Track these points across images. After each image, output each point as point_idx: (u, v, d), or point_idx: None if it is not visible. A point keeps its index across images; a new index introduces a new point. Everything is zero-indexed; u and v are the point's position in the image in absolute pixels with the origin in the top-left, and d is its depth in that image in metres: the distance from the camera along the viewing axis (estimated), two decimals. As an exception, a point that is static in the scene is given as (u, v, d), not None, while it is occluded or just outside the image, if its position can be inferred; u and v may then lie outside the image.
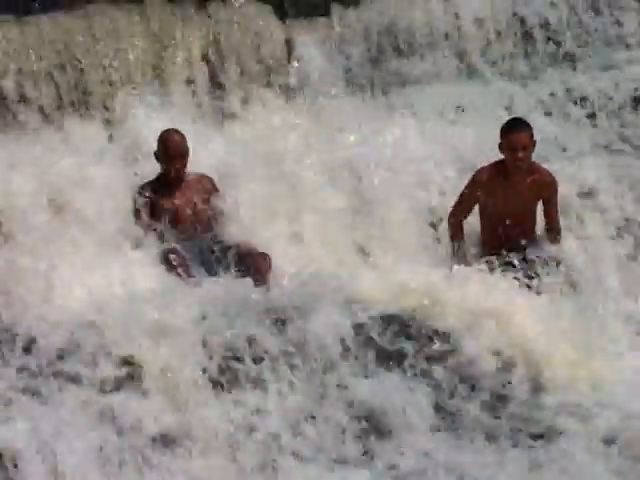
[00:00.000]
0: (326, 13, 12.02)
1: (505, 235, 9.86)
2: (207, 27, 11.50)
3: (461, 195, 10.13)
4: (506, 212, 9.91)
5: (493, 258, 9.42)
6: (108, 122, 10.89)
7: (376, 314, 8.62)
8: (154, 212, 9.75)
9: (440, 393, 7.96)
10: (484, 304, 8.71)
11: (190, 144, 9.97)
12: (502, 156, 9.95)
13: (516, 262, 9.54)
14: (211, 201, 9.93)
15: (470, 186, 10.03)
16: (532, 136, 9.95)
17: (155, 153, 9.85)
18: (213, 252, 9.60)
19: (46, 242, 9.19)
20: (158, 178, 9.89)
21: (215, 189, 10.03)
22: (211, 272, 9.36)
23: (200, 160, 10.29)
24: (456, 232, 10.09)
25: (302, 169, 10.64)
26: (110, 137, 10.80)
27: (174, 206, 9.76)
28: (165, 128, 10.09)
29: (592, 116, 12.05)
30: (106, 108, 10.95)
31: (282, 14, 11.81)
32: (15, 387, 7.62)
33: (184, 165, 9.84)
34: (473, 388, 8.08)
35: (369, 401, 7.83)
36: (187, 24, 11.45)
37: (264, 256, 9.56)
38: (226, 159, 10.50)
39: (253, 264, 9.43)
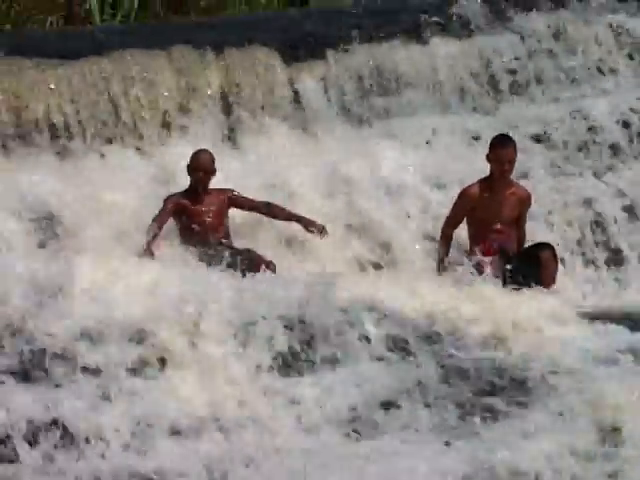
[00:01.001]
0: (323, 57, 12.03)
1: (492, 241, 9.84)
2: (224, 70, 11.52)
3: (453, 209, 10.06)
4: (493, 221, 9.90)
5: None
6: (139, 149, 10.91)
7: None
8: (178, 216, 9.87)
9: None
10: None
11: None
12: (486, 171, 10.04)
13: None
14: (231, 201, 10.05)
15: (461, 201, 9.99)
16: (516, 152, 10.04)
17: (187, 166, 9.97)
18: (224, 257, 9.29)
19: (92, 248, 9.41)
20: (187, 190, 9.99)
21: (234, 194, 10.07)
22: None
23: (218, 177, 10.29)
24: (446, 242, 9.97)
25: (302, 186, 10.82)
26: (142, 161, 10.81)
27: (195, 214, 9.83)
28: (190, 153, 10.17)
29: (546, 141, 12.02)
30: (139, 137, 10.98)
31: (286, 58, 11.83)
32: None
33: (208, 179, 9.94)
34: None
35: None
36: (207, 67, 11.46)
37: (270, 263, 9.54)
38: (238, 178, 10.51)
39: (259, 269, 9.32)
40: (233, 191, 10.15)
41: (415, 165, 11.47)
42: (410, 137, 11.78)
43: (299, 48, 12.10)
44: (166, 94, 11.20)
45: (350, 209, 10.91)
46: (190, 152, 10.36)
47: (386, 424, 7.59)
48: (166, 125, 11.15)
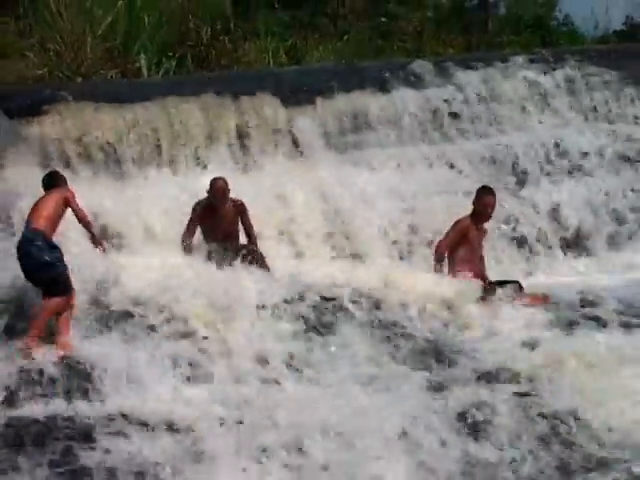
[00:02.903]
0: (313, 103, 12.05)
1: (476, 265, 9.53)
2: (239, 112, 11.58)
3: (448, 234, 9.59)
4: (476, 253, 9.65)
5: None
6: (174, 172, 10.93)
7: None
8: (203, 221, 9.65)
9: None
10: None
11: (229, 181, 9.82)
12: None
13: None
14: (241, 217, 9.76)
15: (456, 228, 9.55)
16: (496, 200, 9.76)
17: (207, 192, 9.62)
18: (237, 254, 9.27)
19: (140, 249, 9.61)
20: (208, 203, 9.67)
21: (245, 210, 9.75)
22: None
23: (236, 188, 10.11)
24: (440, 259, 9.50)
25: (297, 198, 10.82)
26: (176, 181, 10.77)
27: (216, 221, 9.60)
28: (214, 176, 10.02)
29: (477, 165, 12.07)
30: (174, 162, 11.02)
31: (285, 103, 11.86)
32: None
33: (225, 200, 9.64)
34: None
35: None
36: (227, 109, 11.52)
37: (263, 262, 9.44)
38: (250, 193, 10.32)
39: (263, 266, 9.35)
40: (243, 205, 9.79)
41: (382, 182, 11.45)
42: (378, 163, 11.76)
43: (295, 96, 12.09)
44: (195, 130, 11.24)
45: (332, 213, 10.89)
46: (212, 175, 10.34)
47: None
48: (195, 153, 11.16)
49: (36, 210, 8.25)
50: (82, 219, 8.62)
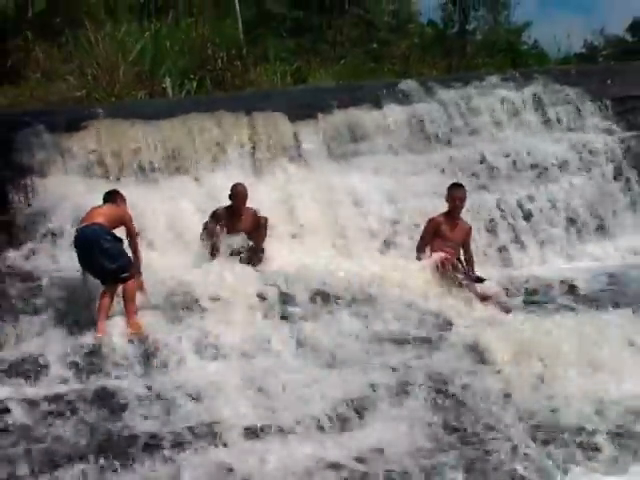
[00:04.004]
0: (315, 118, 11.99)
1: (444, 251, 9.36)
2: (251, 126, 11.53)
3: (423, 233, 9.67)
4: (450, 244, 9.51)
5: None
6: (196, 178, 10.87)
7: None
8: (221, 225, 9.30)
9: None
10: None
11: None
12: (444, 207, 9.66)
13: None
14: (259, 229, 9.46)
15: (428, 226, 9.60)
16: (465, 194, 9.69)
17: (229, 196, 9.42)
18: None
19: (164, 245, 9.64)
20: (228, 207, 9.46)
21: (266, 225, 9.52)
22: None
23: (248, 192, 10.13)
24: (420, 256, 9.46)
25: (302, 199, 10.76)
26: (197, 186, 10.74)
27: (232, 225, 9.32)
28: (229, 180, 9.98)
29: (457, 171, 11.89)
30: (196, 169, 10.97)
31: (292, 118, 11.80)
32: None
33: (244, 204, 9.43)
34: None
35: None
36: (240, 123, 11.49)
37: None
38: (261, 196, 10.33)
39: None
40: (263, 219, 9.57)
41: (375, 186, 11.35)
42: (372, 169, 11.65)
43: (300, 112, 12.00)
44: (213, 142, 11.21)
45: (332, 213, 10.81)
46: (228, 180, 10.25)
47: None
48: (214, 162, 11.11)
49: (94, 212, 8.12)
50: (133, 239, 8.48)
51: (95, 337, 7.71)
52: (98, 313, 7.86)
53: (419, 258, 9.53)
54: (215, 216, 9.40)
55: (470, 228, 9.93)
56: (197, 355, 7.62)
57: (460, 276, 9.21)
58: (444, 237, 9.53)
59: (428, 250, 9.54)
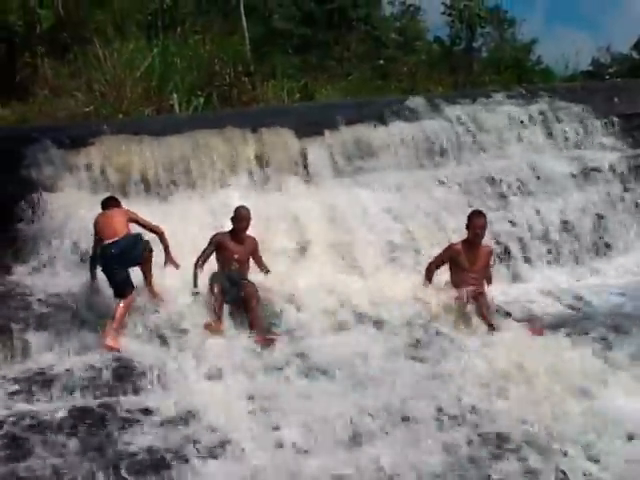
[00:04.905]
0: (322, 134, 11.95)
1: (468, 283, 9.08)
2: (258, 142, 11.51)
3: (437, 256, 9.40)
4: (473, 275, 9.17)
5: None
6: (202, 195, 10.80)
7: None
8: (220, 249, 9.02)
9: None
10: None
11: (249, 201, 9.78)
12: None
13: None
14: (255, 252, 9.27)
15: (445, 252, 9.33)
16: (486, 221, 9.38)
17: (231, 218, 9.14)
18: (236, 283, 8.82)
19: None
20: (229, 232, 9.14)
21: (257, 246, 9.32)
22: (231, 293, 8.71)
23: (255, 208, 10.05)
24: (428, 277, 9.28)
25: (308, 215, 10.66)
26: (204, 202, 10.64)
27: (232, 250, 8.99)
28: (236, 196, 10.20)
29: (463, 187, 11.90)
30: (202, 186, 10.91)
31: (298, 135, 11.76)
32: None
33: (247, 228, 9.15)
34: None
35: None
36: (247, 139, 11.45)
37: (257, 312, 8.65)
38: (267, 212, 10.39)
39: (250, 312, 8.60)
40: (256, 248, 9.33)
41: (381, 202, 11.31)
42: (377, 185, 11.62)
43: (307, 128, 11.97)
44: (220, 158, 11.16)
45: (338, 229, 10.74)
46: (235, 197, 10.39)
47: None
48: (220, 179, 11.07)
49: (109, 224, 8.50)
50: (155, 230, 8.95)
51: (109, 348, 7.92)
52: (116, 325, 8.07)
53: (428, 279, 9.35)
54: (214, 242, 9.09)
55: (491, 251, 9.72)
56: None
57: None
58: (466, 268, 9.21)
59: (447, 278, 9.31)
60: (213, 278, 8.78)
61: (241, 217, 9.14)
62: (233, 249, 9.04)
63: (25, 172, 10.20)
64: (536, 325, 9.00)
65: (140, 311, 8.41)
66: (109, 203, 8.93)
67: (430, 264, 9.44)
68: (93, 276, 8.72)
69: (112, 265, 8.30)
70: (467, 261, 9.21)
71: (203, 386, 7.50)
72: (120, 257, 8.31)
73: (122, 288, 8.29)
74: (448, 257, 9.30)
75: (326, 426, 6.79)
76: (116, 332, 8.01)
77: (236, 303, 8.71)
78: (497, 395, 7.34)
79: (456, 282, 9.18)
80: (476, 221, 9.29)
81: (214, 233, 9.21)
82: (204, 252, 8.96)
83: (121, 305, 8.16)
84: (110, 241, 8.36)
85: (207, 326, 8.28)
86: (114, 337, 7.97)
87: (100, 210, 8.85)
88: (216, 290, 8.58)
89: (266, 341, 8.23)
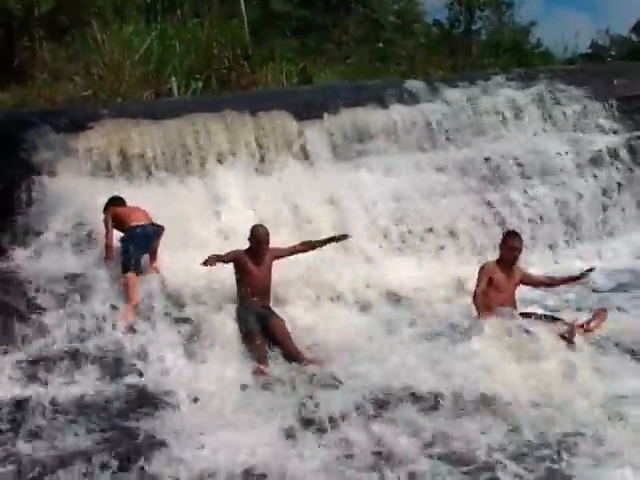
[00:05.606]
0: (321, 117, 11.95)
1: (504, 301, 8.34)
2: (257, 125, 11.47)
3: (478, 281, 8.49)
4: (505, 295, 8.44)
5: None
6: (201, 177, 10.79)
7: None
8: (239, 269, 8.41)
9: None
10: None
11: (249, 185, 10.10)
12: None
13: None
14: (279, 255, 8.63)
15: (482, 275, 8.48)
16: (522, 243, 8.80)
17: (249, 238, 8.47)
18: (262, 318, 8.14)
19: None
20: (246, 250, 8.44)
21: (277, 252, 8.61)
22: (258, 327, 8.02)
23: (254, 191, 10.41)
24: (480, 307, 8.35)
25: (306, 198, 10.75)
26: (203, 184, 10.67)
27: (252, 272, 8.34)
28: (238, 182, 10.36)
29: (461, 169, 12.02)
30: (201, 168, 10.87)
31: (297, 118, 11.75)
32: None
33: (266, 248, 8.46)
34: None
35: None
36: (246, 123, 11.40)
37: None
38: (265, 194, 10.56)
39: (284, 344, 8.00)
40: (276, 249, 8.66)
41: (381, 186, 11.36)
42: (376, 168, 11.65)
43: (305, 111, 11.95)
44: (219, 141, 11.13)
45: (336, 212, 10.80)
46: (234, 179, 10.49)
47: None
48: (219, 161, 11.04)
49: (134, 212, 9.15)
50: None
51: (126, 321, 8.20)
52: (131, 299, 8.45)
53: (477, 308, 8.41)
54: (231, 255, 8.44)
55: (523, 271, 8.95)
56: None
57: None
58: (499, 288, 8.52)
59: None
60: (240, 317, 8.17)
61: (259, 237, 8.50)
62: (252, 271, 8.39)
63: (24, 156, 10.12)
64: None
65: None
66: (122, 201, 9.36)
67: (475, 293, 8.52)
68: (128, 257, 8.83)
69: (135, 243, 8.83)
70: (501, 280, 8.58)
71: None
72: (141, 238, 8.90)
73: (136, 265, 8.74)
74: (486, 277, 8.54)
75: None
76: (129, 307, 8.34)
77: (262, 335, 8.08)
78: None
79: (488, 303, 8.41)
80: (513, 242, 8.73)
81: (232, 250, 8.55)
82: (220, 256, 8.35)
83: (128, 284, 8.51)
84: (137, 224, 8.97)
85: (256, 371, 7.58)
86: (128, 311, 8.29)
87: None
88: (258, 341, 7.88)
89: (318, 363, 7.76)
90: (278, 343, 8.02)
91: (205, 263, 8.17)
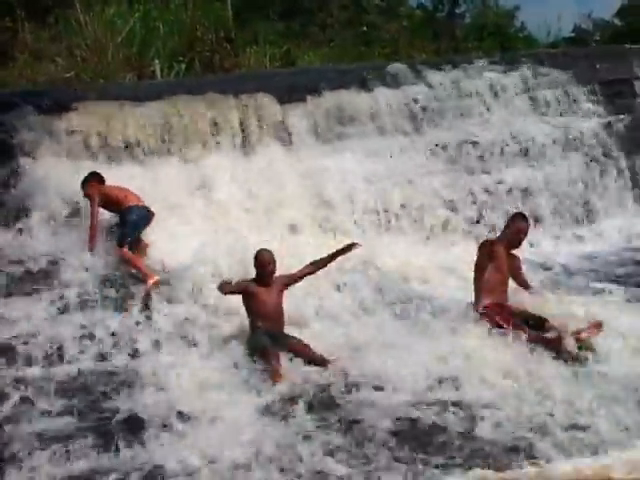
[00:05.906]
0: (304, 100, 11.90)
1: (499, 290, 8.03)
2: (240, 108, 11.41)
3: (478, 260, 8.18)
4: (501, 277, 8.04)
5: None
6: (185, 159, 10.74)
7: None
8: (247, 299, 8.01)
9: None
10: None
11: (229, 166, 10.20)
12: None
13: None
14: (290, 282, 8.21)
15: (484, 249, 8.14)
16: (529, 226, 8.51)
17: (254, 265, 8.01)
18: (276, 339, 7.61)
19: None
20: (254, 279, 8.02)
21: (288, 276, 8.20)
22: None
23: (237, 173, 10.45)
24: (481, 290, 8.05)
25: (289, 180, 10.78)
26: (187, 166, 10.63)
27: (261, 299, 7.91)
28: (222, 164, 10.38)
29: (444, 152, 12.05)
30: (185, 151, 10.82)
31: (280, 100, 11.70)
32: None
33: (273, 272, 8.01)
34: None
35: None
36: (230, 105, 11.36)
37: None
38: (249, 175, 10.58)
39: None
40: (284, 276, 8.20)
41: (364, 168, 11.35)
42: (359, 151, 11.61)
43: (289, 94, 11.90)
44: (202, 124, 11.09)
45: (319, 193, 10.84)
46: (218, 161, 10.49)
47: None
48: (203, 143, 11.00)
49: (127, 192, 9.37)
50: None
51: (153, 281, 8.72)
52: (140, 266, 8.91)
53: (478, 292, 8.14)
54: (239, 286, 8.09)
55: (519, 259, 8.59)
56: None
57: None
58: (498, 268, 8.14)
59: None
60: (251, 340, 7.82)
61: (263, 261, 8.07)
62: (262, 297, 7.97)
63: (5, 138, 10.05)
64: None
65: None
66: (98, 178, 9.42)
67: (478, 274, 8.19)
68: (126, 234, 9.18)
69: (136, 222, 9.16)
70: (501, 260, 8.18)
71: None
72: (142, 220, 9.22)
73: (131, 243, 9.08)
74: (488, 256, 8.15)
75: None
76: (143, 269, 8.85)
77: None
78: None
79: (491, 293, 8.06)
80: (521, 225, 8.46)
81: (242, 280, 8.20)
82: (232, 286, 8.03)
83: (127, 255, 8.95)
84: (134, 204, 9.21)
85: (272, 374, 7.25)
86: (148, 273, 8.80)
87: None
88: (270, 352, 7.46)
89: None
90: (300, 355, 7.61)
91: (219, 289, 7.93)
